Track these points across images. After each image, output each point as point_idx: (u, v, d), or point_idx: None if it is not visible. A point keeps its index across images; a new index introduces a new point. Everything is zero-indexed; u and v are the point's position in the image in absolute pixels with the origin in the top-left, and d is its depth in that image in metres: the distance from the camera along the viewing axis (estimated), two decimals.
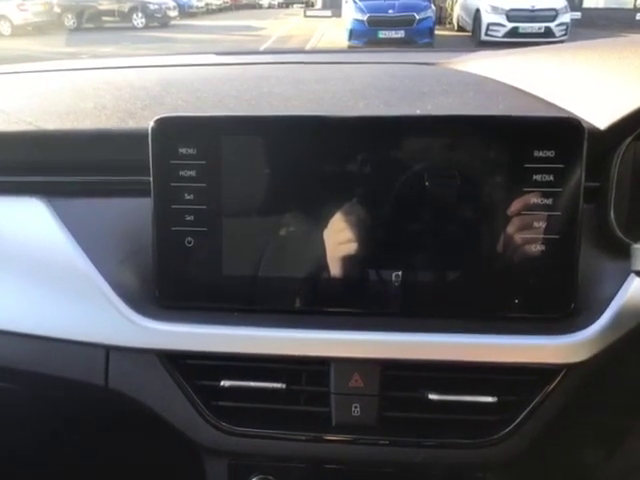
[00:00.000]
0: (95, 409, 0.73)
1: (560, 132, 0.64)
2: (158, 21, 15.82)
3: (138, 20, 15.29)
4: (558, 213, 0.64)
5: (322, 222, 0.67)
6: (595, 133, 0.66)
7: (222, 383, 0.66)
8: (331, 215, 0.66)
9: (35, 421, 0.78)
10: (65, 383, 0.69)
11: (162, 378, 0.67)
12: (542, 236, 0.64)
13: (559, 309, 0.66)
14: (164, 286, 0.68)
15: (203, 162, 0.66)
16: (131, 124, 0.75)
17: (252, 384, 0.66)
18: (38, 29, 14.22)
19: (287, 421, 0.67)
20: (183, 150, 0.66)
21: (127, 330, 0.66)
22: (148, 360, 0.67)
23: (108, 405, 0.71)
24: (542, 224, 0.64)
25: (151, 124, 0.66)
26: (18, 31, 13.90)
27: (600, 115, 0.69)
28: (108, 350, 0.67)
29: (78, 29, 15.03)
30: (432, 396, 0.65)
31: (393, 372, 0.65)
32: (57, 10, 14.99)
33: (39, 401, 0.75)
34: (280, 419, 0.67)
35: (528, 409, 0.65)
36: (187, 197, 0.67)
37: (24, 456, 0.82)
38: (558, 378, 0.64)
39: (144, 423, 0.69)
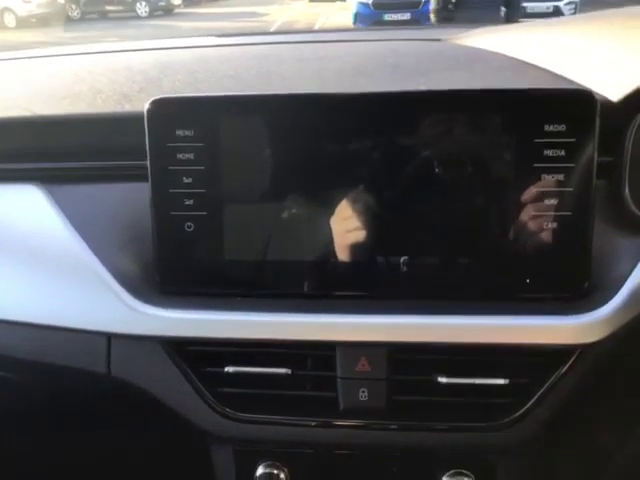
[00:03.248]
0: (98, 398, 0.72)
1: (571, 105, 0.61)
2: (162, 9, 15.76)
3: (142, 9, 15.23)
4: (570, 189, 0.62)
5: (327, 205, 0.64)
6: (607, 106, 0.64)
7: (226, 369, 0.65)
8: (336, 197, 0.64)
9: (37, 411, 0.78)
10: (67, 372, 0.69)
11: (165, 365, 0.65)
12: (554, 213, 0.62)
13: (573, 288, 0.63)
14: (165, 272, 0.67)
15: (201, 144, 0.64)
16: (127, 107, 0.73)
17: (257, 370, 0.65)
18: (42, 20, 14.20)
19: (293, 407, 0.66)
20: (180, 132, 0.64)
21: (128, 317, 0.65)
22: (150, 347, 0.66)
23: (111, 394, 0.70)
24: (554, 201, 0.62)
25: (147, 106, 0.64)
26: (22, 23, 13.90)
27: (613, 87, 0.66)
28: (110, 338, 0.66)
29: (82, 20, 15.00)
30: (442, 379, 0.63)
31: (401, 355, 0.64)
32: (61, 1, 14.96)
33: (41, 390, 0.74)
34: (286, 405, 0.66)
35: (541, 391, 0.63)
36: (186, 181, 0.65)
37: (26, 446, 0.81)
38: (572, 359, 0.62)
39: (148, 411, 0.68)
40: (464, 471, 0.68)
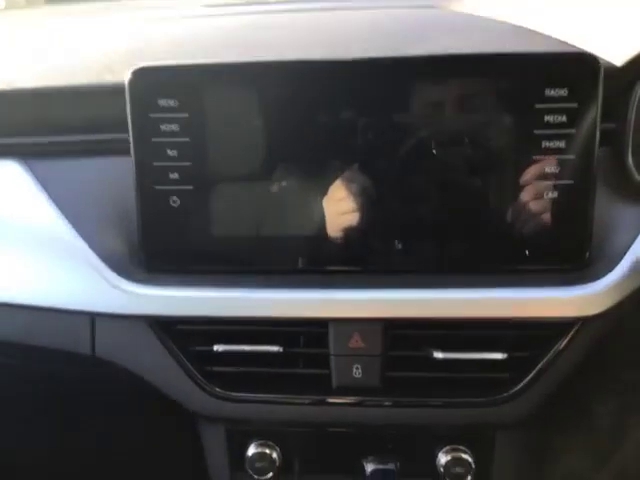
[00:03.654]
0: (85, 380, 0.71)
1: (573, 68, 0.58)
2: None
3: None
4: (572, 157, 0.59)
5: (319, 177, 0.62)
6: (611, 71, 0.61)
7: (215, 348, 0.63)
8: (329, 169, 0.62)
9: (24, 395, 0.76)
10: (51, 354, 0.66)
11: (152, 345, 0.63)
12: (554, 182, 0.60)
13: (573, 259, 0.61)
14: (150, 249, 0.65)
15: (185, 115, 0.61)
16: (109, 78, 0.70)
17: (247, 348, 0.63)
18: (30, 2, 13.92)
19: (285, 385, 0.64)
20: (163, 102, 0.61)
21: (112, 296, 0.62)
22: (137, 327, 0.63)
23: (97, 376, 0.68)
24: (554, 169, 0.59)
25: (128, 75, 0.61)
26: (11, 4, 13.62)
27: (616, 51, 0.63)
28: (93, 317, 0.64)
29: None
30: (438, 354, 0.61)
31: (395, 331, 0.62)
32: None
33: (26, 373, 0.72)
34: (278, 383, 0.64)
35: (540, 365, 0.61)
36: (170, 153, 0.62)
37: (13, 430, 0.79)
38: (572, 332, 0.60)
39: (135, 393, 0.66)
40: (461, 447, 0.66)
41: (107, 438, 0.78)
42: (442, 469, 0.66)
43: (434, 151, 0.61)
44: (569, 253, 0.61)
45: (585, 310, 0.59)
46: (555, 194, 0.60)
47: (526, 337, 0.62)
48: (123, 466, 0.81)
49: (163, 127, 0.62)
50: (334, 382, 0.63)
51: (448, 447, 0.66)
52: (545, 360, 0.61)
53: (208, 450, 0.71)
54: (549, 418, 0.68)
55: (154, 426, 0.76)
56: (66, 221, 0.66)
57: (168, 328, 0.64)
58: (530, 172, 0.59)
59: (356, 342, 0.62)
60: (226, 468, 0.69)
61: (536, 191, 0.60)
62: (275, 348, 0.63)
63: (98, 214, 0.68)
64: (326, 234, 0.63)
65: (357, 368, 0.62)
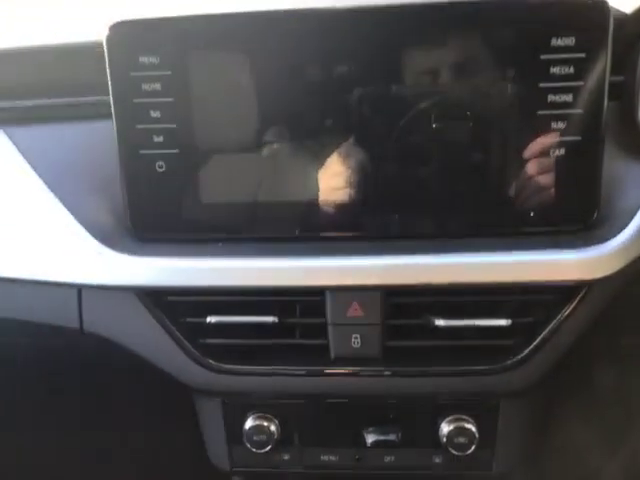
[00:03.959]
0: (74, 355, 0.68)
1: (581, 15, 0.54)
2: None
3: None
4: (579, 111, 0.56)
5: (313, 138, 0.59)
6: (620, 19, 0.57)
7: (208, 319, 0.60)
8: (323, 130, 0.58)
9: (14, 371, 0.73)
10: (40, 329, 0.64)
11: (142, 318, 0.61)
12: (561, 138, 0.56)
13: (581, 220, 0.59)
14: (137, 218, 0.62)
15: (169, 73, 0.58)
16: (88, 37, 0.66)
17: (241, 319, 0.60)
18: None
19: (281, 356, 0.62)
20: (144, 59, 0.57)
21: (98, 267, 0.60)
22: (125, 299, 0.61)
23: (87, 350, 0.65)
24: (561, 124, 0.56)
25: (105, 31, 0.57)
26: None
27: None
28: (80, 290, 0.61)
29: None
30: (439, 322, 0.59)
31: (395, 299, 0.59)
32: None
33: (16, 349, 0.70)
34: (273, 355, 0.62)
35: (546, 331, 0.59)
36: (153, 115, 0.59)
37: (7, 409, 0.78)
38: (580, 296, 0.58)
39: (128, 366, 0.64)
40: (464, 417, 0.64)
41: (102, 414, 0.76)
42: (445, 439, 0.64)
43: (434, 107, 0.57)
44: (576, 213, 0.59)
45: (593, 273, 0.56)
46: (562, 151, 0.57)
47: (531, 302, 0.59)
48: (120, 441, 0.80)
49: (145, 86, 0.58)
50: (332, 352, 0.61)
51: (451, 417, 0.64)
52: (550, 326, 0.59)
53: (204, 424, 0.69)
54: (552, 386, 0.67)
55: (149, 401, 0.74)
56: (48, 190, 0.63)
57: (158, 300, 0.61)
58: (535, 128, 0.56)
59: (354, 311, 0.59)
60: (223, 442, 0.67)
61: (541, 148, 0.57)
62: (270, 319, 0.60)
63: (82, 182, 0.65)
64: (322, 199, 0.60)
65: (356, 338, 0.60)
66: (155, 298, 0.61)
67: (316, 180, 0.60)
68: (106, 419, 0.78)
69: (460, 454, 0.64)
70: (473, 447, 0.64)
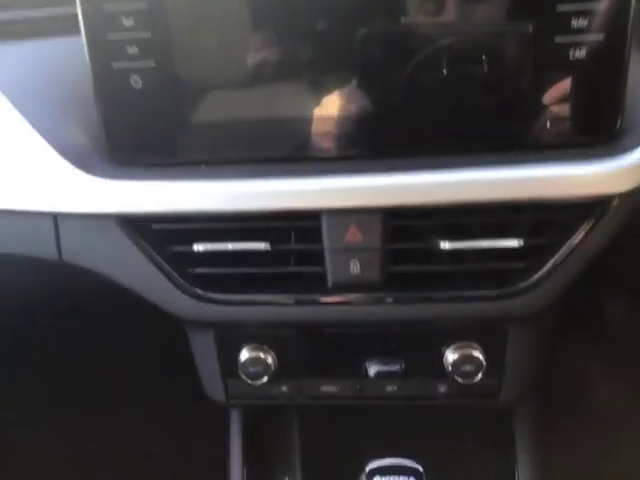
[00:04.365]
0: (58, 288, 0.65)
1: None
2: None
3: None
4: (601, 7, 0.49)
5: (306, 47, 0.53)
6: None
7: (195, 247, 0.56)
8: (318, 40, 0.52)
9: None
10: (19, 261, 0.60)
11: (125, 247, 0.57)
12: (581, 38, 0.50)
13: (602, 130, 0.53)
14: (114, 139, 0.57)
15: None
16: None
17: (231, 246, 0.56)
18: None
19: (275, 285, 0.58)
20: None
21: (74, 193, 0.56)
22: (106, 227, 0.57)
23: (70, 282, 0.62)
24: (582, 21, 0.49)
25: None
26: None
27: None
28: (56, 218, 0.57)
29: None
30: (444, 245, 0.54)
31: (396, 221, 0.55)
32: None
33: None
34: (267, 283, 0.58)
35: (560, 253, 0.54)
36: (125, 23, 0.53)
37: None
38: (599, 212, 0.53)
39: (115, 299, 0.61)
40: (471, 344, 0.61)
41: (95, 352, 0.74)
42: (450, 367, 0.61)
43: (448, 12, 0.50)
44: (598, 123, 0.53)
45: (614, 186, 0.51)
46: (582, 53, 0.50)
47: (545, 222, 0.55)
48: (114, 375, 0.78)
49: None
50: (330, 280, 0.57)
51: (456, 344, 0.61)
52: (565, 247, 0.54)
53: (198, 357, 0.66)
54: (566, 310, 0.63)
55: (141, 336, 0.71)
56: (17, 112, 0.58)
57: (141, 228, 0.57)
58: (552, 27, 0.49)
59: (353, 235, 0.55)
60: (217, 374, 0.65)
61: (559, 50, 0.50)
62: (263, 245, 0.56)
63: (54, 103, 0.60)
64: (316, 116, 0.54)
65: (355, 264, 0.56)
66: (137, 226, 0.57)
67: (310, 95, 0.54)
68: (101, 356, 0.77)
69: (466, 382, 0.61)
70: (480, 375, 0.61)
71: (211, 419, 0.79)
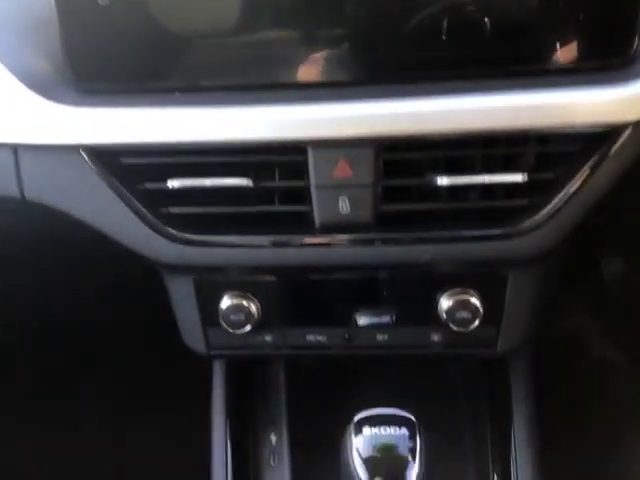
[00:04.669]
0: (23, 225, 0.60)
1: None
2: None
3: None
4: None
5: None
6: None
7: (169, 184, 0.51)
8: None
9: None
10: None
11: (92, 184, 0.52)
12: None
13: (616, 54, 0.48)
14: (78, 63, 0.52)
15: None
16: None
17: (209, 182, 0.51)
18: None
19: (258, 226, 0.54)
20: None
21: (35, 122, 0.51)
22: (71, 161, 0.52)
23: (36, 221, 0.57)
24: None
25: None
26: None
27: None
28: (16, 150, 0.52)
29: None
30: (441, 180, 0.50)
31: (390, 155, 0.50)
32: None
33: None
34: (248, 224, 0.54)
35: (567, 188, 0.50)
36: None
37: None
38: (611, 143, 0.48)
39: (83, 240, 0.56)
40: (467, 289, 0.57)
41: (76, 306, 0.69)
42: (445, 315, 0.57)
43: None
44: (612, 45, 0.48)
45: (629, 114, 0.47)
46: None
47: (552, 154, 0.50)
48: (95, 336, 0.75)
49: None
50: (317, 219, 0.52)
51: (451, 290, 0.57)
52: (573, 181, 0.50)
53: (177, 305, 0.62)
54: (570, 252, 0.59)
55: (116, 282, 0.67)
56: None
57: (110, 162, 0.52)
58: None
59: (342, 170, 0.50)
60: (198, 323, 0.61)
61: None
62: (244, 181, 0.51)
63: (11, 25, 0.54)
64: (301, 36, 0.49)
65: (344, 201, 0.51)
66: (106, 160, 0.52)
67: (294, 13, 0.49)
68: (79, 312, 0.72)
69: (461, 330, 0.57)
70: (476, 323, 0.57)
71: (197, 376, 0.75)
